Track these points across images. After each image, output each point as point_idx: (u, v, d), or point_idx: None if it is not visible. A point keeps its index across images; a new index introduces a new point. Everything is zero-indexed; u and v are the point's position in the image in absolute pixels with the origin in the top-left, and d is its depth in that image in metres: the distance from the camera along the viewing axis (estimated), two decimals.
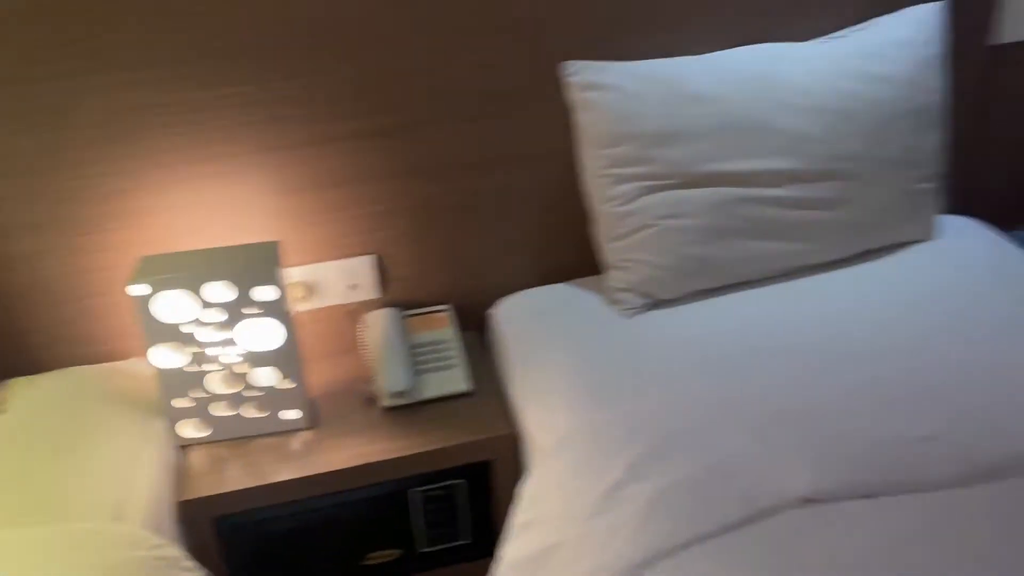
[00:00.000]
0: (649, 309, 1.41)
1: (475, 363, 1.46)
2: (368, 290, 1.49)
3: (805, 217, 1.39)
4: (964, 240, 1.52)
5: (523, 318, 1.46)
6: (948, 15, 1.49)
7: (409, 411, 1.37)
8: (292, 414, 1.34)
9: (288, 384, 1.31)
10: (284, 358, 1.29)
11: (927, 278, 1.41)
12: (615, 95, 1.33)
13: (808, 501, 0.99)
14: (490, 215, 1.49)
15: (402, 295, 1.52)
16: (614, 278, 1.41)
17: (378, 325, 1.43)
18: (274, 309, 1.25)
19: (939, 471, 1.01)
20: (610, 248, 1.40)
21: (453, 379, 1.39)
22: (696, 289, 1.41)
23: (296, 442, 1.33)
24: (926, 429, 1.06)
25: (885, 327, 1.28)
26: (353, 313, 1.51)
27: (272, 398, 1.32)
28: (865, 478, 1.00)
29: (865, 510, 0.98)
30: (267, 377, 1.31)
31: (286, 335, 1.27)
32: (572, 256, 1.53)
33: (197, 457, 1.30)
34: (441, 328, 1.47)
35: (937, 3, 1.43)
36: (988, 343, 1.22)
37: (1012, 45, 1.62)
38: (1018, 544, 0.92)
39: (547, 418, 1.23)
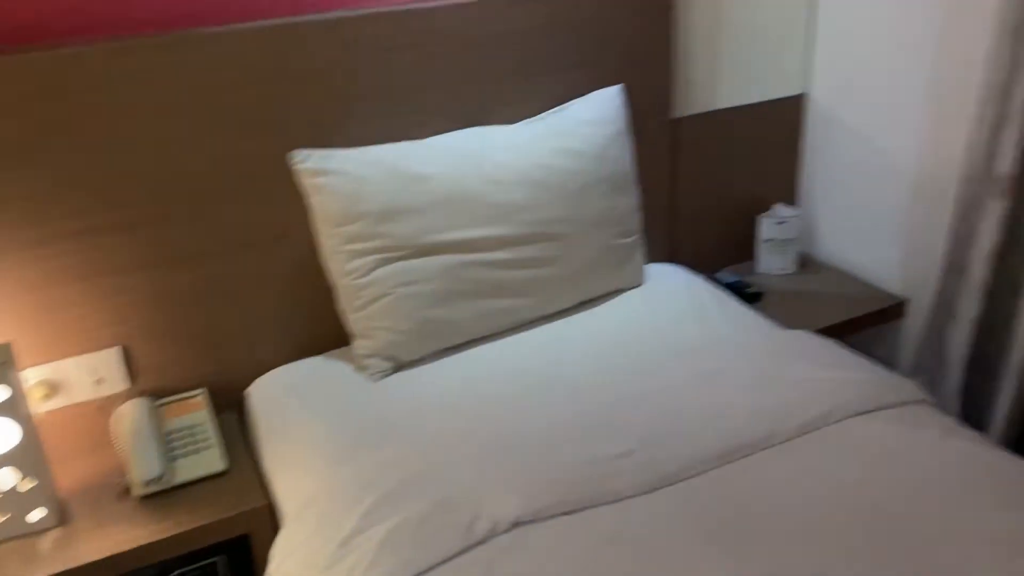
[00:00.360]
0: (394, 372, 1.52)
1: (233, 443, 1.50)
2: (116, 383, 1.50)
3: (524, 275, 1.57)
4: (668, 283, 1.76)
5: (276, 393, 1.53)
6: (634, 96, 1.76)
7: (164, 497, 1.39)
8: (38, 514, 1.32)
9: (30, 484, 1.30)
10: (24, 458, 1.28)
11: (634, 319, 1.63)
12: (342, 179, 1.45)
13: (519, 524, 1.12)
14: (238, 298, 1.56)
15: (156, 383, 1.55)
16: (360, 346, 1.52)
17: (128, 416, 1.44)
18: (8, 409, 1.25)
19: (632, 482, 1.18)
20: (353, 318, 1.51)
21: (208, 461, 1.43)
22: (436, 348, 1.55)
23: (46, 542, 1.31)
24: (622, 447, 1.23)
25: (594, 365, 1.47)
26: (104, 407, 1.51)
27: (14, 499, 1.30)
28: (568, 496, 1.15)
29: (569, 524, 1.12)
30: (6, 479, 1.29)
31: (23, 435, 1.27)
32: (324, 329, 1.63)
33: None
34: (196, 412, 1.51)
35: (617, 87, 1.68)
36: (680, 369, 1.43)
37: (688, 117, 1.93)
38: (693, 536, 1.10)
39: (295, 485, 1.30)
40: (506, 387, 1.43)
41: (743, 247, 2.10)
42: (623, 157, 1.66)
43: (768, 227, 2.02)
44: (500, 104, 1.66)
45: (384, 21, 1.52)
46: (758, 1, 1.92)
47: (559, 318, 1.65)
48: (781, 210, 2.05)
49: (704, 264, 2.07)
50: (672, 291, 1.73)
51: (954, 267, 1.63)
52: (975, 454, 1.22)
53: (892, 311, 1.90)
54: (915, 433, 1.26)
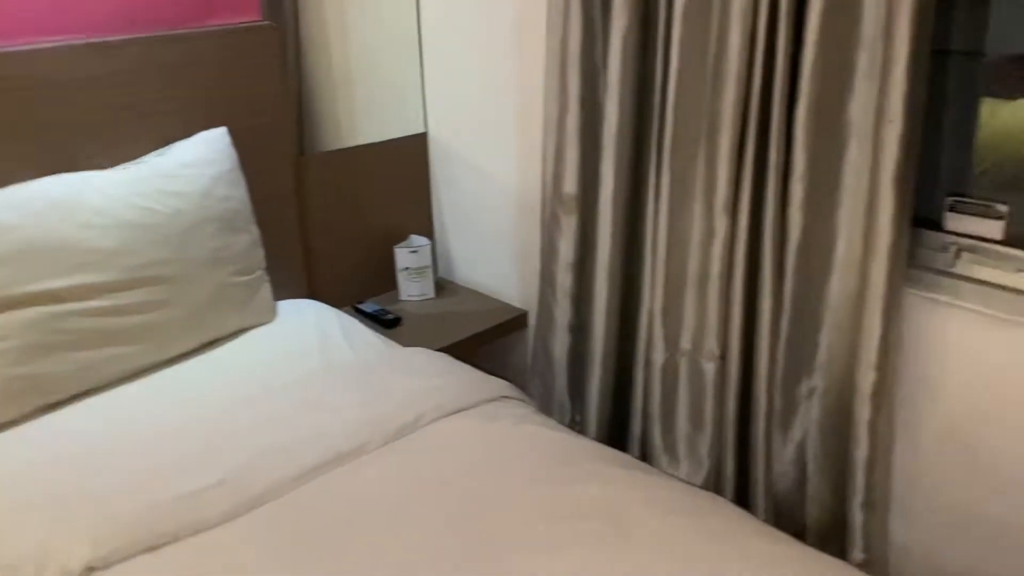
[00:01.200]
0: None
1: None
2: None
3: (132, 322, 1.54)
4: (298, 318, 1.80)
5: None
6: (251, 137, 1.80)
7: None
8: None
9: None
10: None
11: (256, 356, 1.65)
12: None
13: (93, 569, 1.09)
14: None
15: None
16: None
17: None
18: None
19: (219, 510, 1.20)
20: None
21: None
22: (34, 406, 1.46)
23: None
24: (212, 479, 1.25)
25: (199, 405, 1.47)
26: None
27: None
28: (146, 535, 1.14)
29: (150, 562, 1.12)
30: None
31: None
32: None
33: None
34: None
35: (222, 128, 1.72)
36: (287, 398, 1.47)
37: (318, 155, 2.01)
38: (277, 551, 1.14)
39: None
40: (105, 438, 1.38)
41: (386, 277, 2.21)
42: (234, 196, 1.69)
43: (403, 256, 2.15)
44: (101, 148, 1.62)
45: None
46: (377, 47, 2.06)
47: (180, 361, 1.63)
48: (415, 240, 2.19)
49: (348, 296, 2.14)
50: (301, 325, 1.78)
51: (547, 279, 1.84)
52: (541, 436, 1.38)
53: (515, 323, 2.09)
54: (492, 424, 1.40)
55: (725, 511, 1.23)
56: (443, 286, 2.26)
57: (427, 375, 1.54)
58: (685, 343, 1.64)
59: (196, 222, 1.61)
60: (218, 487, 1.24)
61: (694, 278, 1.60)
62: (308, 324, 1.78)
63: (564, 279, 1.80)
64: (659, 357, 1.68)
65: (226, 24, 1.79)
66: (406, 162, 2.20)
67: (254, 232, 1.74)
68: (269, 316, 1.79)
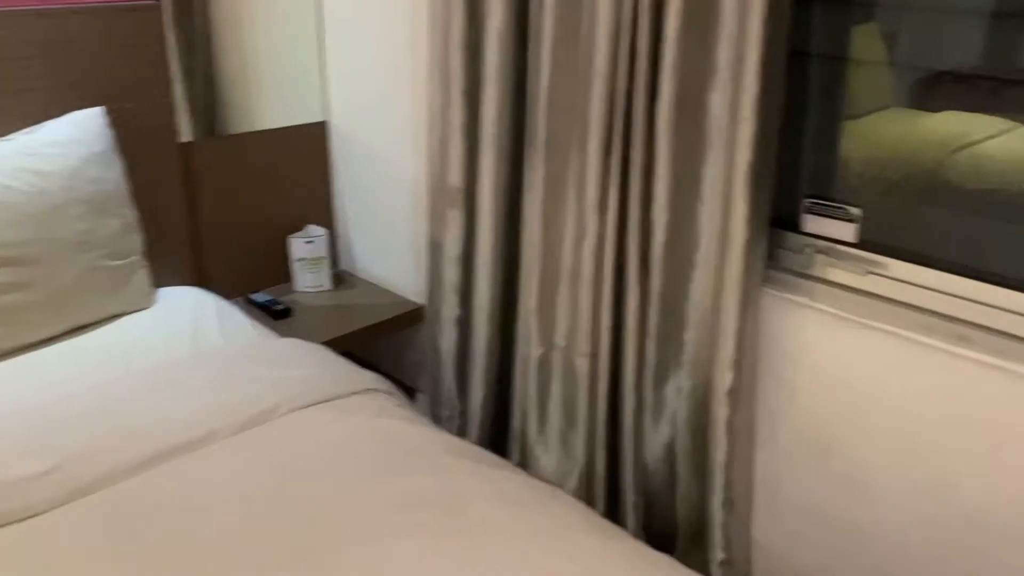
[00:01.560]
0: None
1: None
2: None
3: None
4: (176, 305, 1.76)
5: None
6: (133, 119, 1.77)
7: None
8: None
9: None
10: None
11: (123, 342, 1.61)
12: None
13: None
14: None
15: None
16: None
17: None
18: None
19: (48, 496, 1.17)
20: None
21: None
22: None
23: None
24: (45, 466, 1.21)
25: (57, 391, 1.43)
26: None
27: None
28: None
29: None
30: None
31: None
32: None
33: None
34: None
35: (98, 108, 1.68)
36: (139, 384, 1.44)
37: (209, 140, 1.97)
38: (106, 542, 1.11)
39: None
40: None
41: (283, 268, 2.18)
42: (106, 178, 1.65)
43: (298, 247, 2.12)
44: None
45: None
46: (282, 33, 2.03)
47: (45, 346, 1.59)
48: (311, 230, 2.16)
49: (241, 286, 2.11)
50: (177, 313, 1.74)
51: (434, 273, 1.83)
52: (394, 430, 1.37)
53: (411, 317, 2.07)
54: (349, 417, 1.38)
55: (564, 506, 1.23)
56: (343, 278, 2.24)
57: (293, 366, 1.52)
58: (559, 339, 1.64)
59: (61, 203, 1.57)
60: (51, 473, 1.21)
61: (567, 275, 1.59)
62: (184, 312, 1.74)
63: (451, 273, 1.79)
64: (535, 353, 1.67)
65: (108, 2, 1.75)
66: (306, 150, 2.17)
67: (128, 216, 1.70)
68: (145, 302, 1.75)
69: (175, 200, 1.92)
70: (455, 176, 1.71)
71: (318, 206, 2.23)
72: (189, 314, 1.73)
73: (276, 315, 2.00)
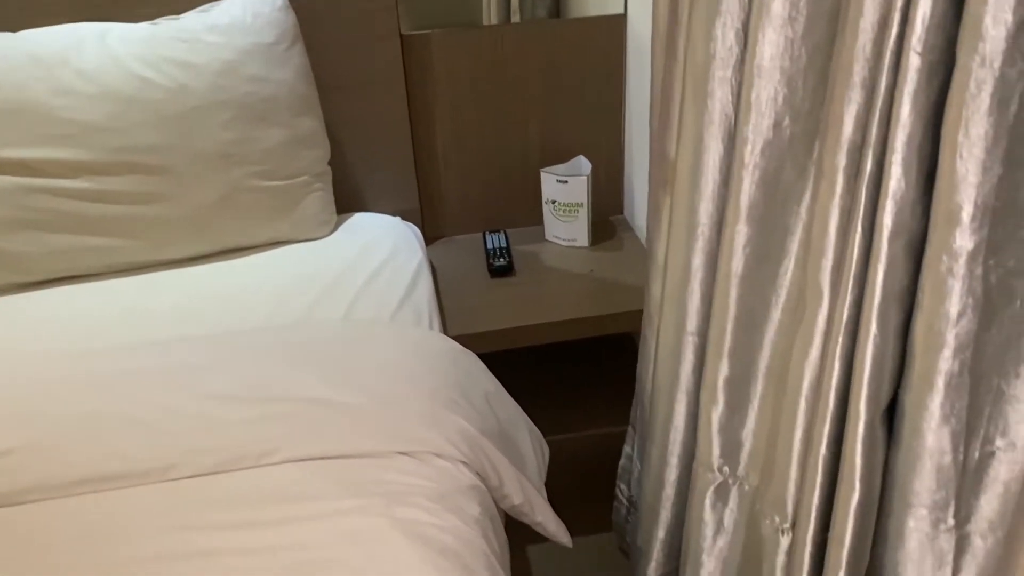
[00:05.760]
0: None
1: None
2: None
3: (117, 211, 1.30)
4: (353, 242, 1.43)
5: None
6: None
7: None
8: None
9: None
10: None
11: (258, 279, 1.33)
12: None
13: None
14: None
15: None
16: None
17: None
18: None
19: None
20: None
21: None
22: (8, 282, 1.33)
23: None
24: (6, 445, 0.99)
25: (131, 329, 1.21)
26: None
27: None
28: None
29: None
30: None
31: None
32: None
33: None
34: None
35: None
36: (172, 360, 1.12)
37: (430, 34, 1.52)
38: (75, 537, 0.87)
39: None
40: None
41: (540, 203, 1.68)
42: (271, 79, 1.32)
43: (549, 184, 1.59)
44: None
45: None
46: None
47: (187, 265, 1.38)
48: (575, 164, 1.60)
49: (485, 219, 1.68)
50: (336, 253, 1.40)
51: None
52: None
53: None
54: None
55: None
56: (614, 232, 1.66)
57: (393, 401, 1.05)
58: None
59: (203, 105, 1.28)
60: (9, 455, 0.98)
61: None
62: (344, 254, 1.39)
63: None
64: None
65: None
66: (592, 53, 1.59)
67: (302, 127, 1.37)
68: (319, 232, 1.43)
69: (392, 111, 1.53)
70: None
71: (597, 132, 1.65)
72: (346, 259, 1.37)
73: (495, 271, 1.54)
